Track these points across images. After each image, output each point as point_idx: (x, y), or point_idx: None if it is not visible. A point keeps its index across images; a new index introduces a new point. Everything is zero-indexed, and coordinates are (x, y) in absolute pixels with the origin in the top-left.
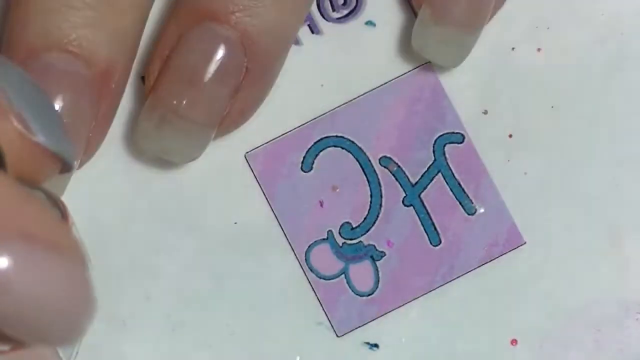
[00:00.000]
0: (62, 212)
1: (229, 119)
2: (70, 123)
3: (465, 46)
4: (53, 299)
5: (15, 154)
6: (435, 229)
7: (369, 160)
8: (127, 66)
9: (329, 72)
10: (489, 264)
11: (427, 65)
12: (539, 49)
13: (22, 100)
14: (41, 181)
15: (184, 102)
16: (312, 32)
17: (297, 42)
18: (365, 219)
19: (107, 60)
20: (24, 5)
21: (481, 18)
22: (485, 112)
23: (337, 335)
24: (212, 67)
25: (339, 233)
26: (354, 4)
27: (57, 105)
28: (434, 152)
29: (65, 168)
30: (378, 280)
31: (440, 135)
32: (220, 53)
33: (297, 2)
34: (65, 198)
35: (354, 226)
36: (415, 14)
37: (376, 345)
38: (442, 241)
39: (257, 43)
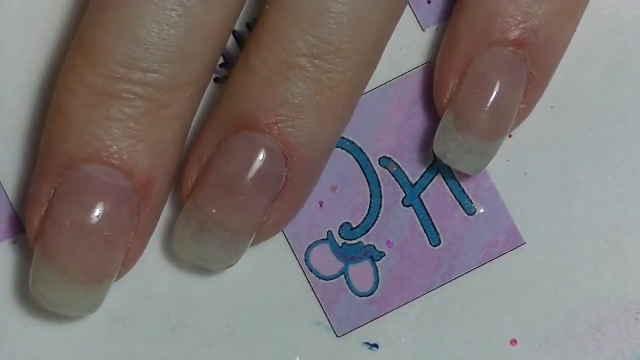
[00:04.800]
0: None
1: (266, 227)
2: (110, 234)
3: (487, 155)
4: None
5: None
6: (435, 229)
7: (369, 161)
8: (168, 178)
9: None
10: (488, 264)
11: (427, 66)
12: None
13: None
14: None
15: (224, 211)
16: None
17: None
18: (365, 219)
19: (148, 172)
20: (64, 116)
21: (503, 128)
22: None
23: (337, 336)
24: (253, 177)
25: (339, 233)
26: None
27: (96, 216)
28: (433, 152)
29: None
30: (378, 281)
31: None
32: (262, 163)
33: (338, 114)
34: None
35: (353, 226)
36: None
37: (376, 346)
38: (442, 241)
39: (299, 154)
